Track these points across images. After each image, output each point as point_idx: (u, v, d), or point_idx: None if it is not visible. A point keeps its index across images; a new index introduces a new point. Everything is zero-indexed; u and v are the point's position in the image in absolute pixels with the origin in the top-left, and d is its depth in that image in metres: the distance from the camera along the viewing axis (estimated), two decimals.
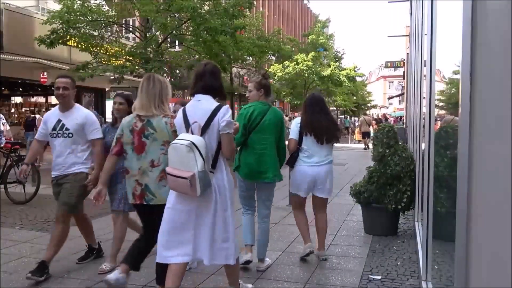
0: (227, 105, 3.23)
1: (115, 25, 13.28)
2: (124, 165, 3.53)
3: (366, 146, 21.14)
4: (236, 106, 25.45)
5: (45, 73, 14.51)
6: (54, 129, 4.17)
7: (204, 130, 3.07)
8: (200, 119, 3.09)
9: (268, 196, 4.26)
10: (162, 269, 3.27)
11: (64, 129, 4.14)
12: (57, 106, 4.29)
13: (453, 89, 2.73)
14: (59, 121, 4.17)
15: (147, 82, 3.47)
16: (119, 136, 3.48)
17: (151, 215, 3.47)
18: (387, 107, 58.83)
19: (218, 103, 3.19)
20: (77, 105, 4.34)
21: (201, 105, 3.15)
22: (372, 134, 20.54)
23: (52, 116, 4.26)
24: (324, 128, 4.35)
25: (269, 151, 4.12)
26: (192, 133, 3.09)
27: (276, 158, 4.18)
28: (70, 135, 4.14)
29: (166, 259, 3.11)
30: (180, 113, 3.22)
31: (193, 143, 2.94)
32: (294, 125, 4.41)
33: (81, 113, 4.24)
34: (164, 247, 3.10)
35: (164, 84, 3.52)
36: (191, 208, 3.08)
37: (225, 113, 3.10)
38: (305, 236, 4.52)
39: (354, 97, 42.46)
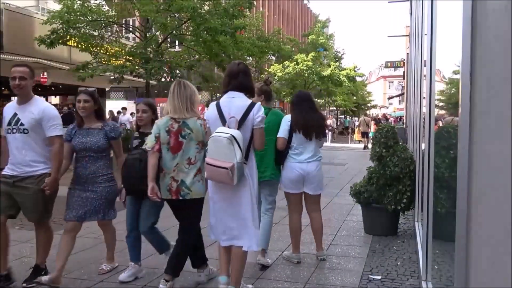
0: (259, 103, 3.54)
1: (115, 25, 13.26)
2: (160, 164, 3.65)
3: (366, 146, 21.65)
4: None
5: (45, 73, 14.49)
6: (9, 123, 3.70)
7: (240, 124, 3.35)
8: (236, 114, 3.37)
9: (270, 192, 4.39)
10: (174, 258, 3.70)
11: (19, 124, 3.66)
12: (16, 98, 3.83)
13: (453, 89, 2.73)
14: (15, 115, 3.70)
15: (179, 87, 3.69)
16: (158, 134, 3.62)
17: (185, 209, 3.71)
18: (387, 107, 58.76)
19: (251, 100, 3.49)
20: (36, 97, 3.83)
21: (235, 101, 3.43)
22: (371, 134, 21.11)
23: (9, 109, 3.80)
24: (315, 126, 4.38)
25: (269, 152, 4.27)
26: (229, 127, 3.34)
27: (269, 160, 4.35)
28: (26, 131, 3.65)
29: (222, 242, 3.53)
30: (213, 108, 3.50)
31: (233, 136, 3.23)
32: (284, 124, 4.33)
33: (39, 106, 3.73)
34: (215, 233, 3.56)
35: (193, 89, 3.77)
36: (226, 197, 3.43)
37: (259, 110, 3.42)
38: (294, 244, 4.47)
39: (354, 97, 42.45)
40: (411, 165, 5.25)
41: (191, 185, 3.57)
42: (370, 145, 22.52)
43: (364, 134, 22.83)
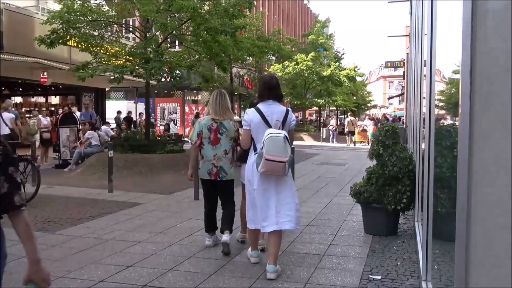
0: (290, 109, 4.37)
1: (115, 25, 13.24)
2: (201, 153, 4.80)
3: (349, 143, 24.62)
4: (236, 106, 25.41)
5: (45, 73, 14.48)
6: None
7: (283, 125, 4.15)
8: (278, 118, 4.15)
9: None
10: (211, 219, 4.90)
11: None
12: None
13: (453, 89, 2.73)
14: None
15: (220, 96, 4.79)
16: (199, 132, 4.77)
17: (221, 187, 4.84)
18: (387, 107, 58.76)
19: (285, 107, 4.32)
20: None
21: (274, 108, 4.19)
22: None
23: None
24: None
25: None
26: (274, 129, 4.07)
27: None
28: None
29: (264, 229, 4.11)
30: (255, 113, 4.18)
31: (285, 135, 3.97)
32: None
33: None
34: (259, 220, 4.09)
35: (228, 98, 4.90)
36: (275, 187, 4.06)
37: (292, 115, 4.29)
38: (244, 225, 4.92)
39: (354, 97, 42.41)
40: (410, 165, 5.24)
41: (227, 170, 4.77)
42: (353, 144, 24.17)
43: (350, 133, 25.29)
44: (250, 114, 4.23)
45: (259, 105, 4.22)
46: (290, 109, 4.32)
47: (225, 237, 4.64)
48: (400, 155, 5.26)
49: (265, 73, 22.38)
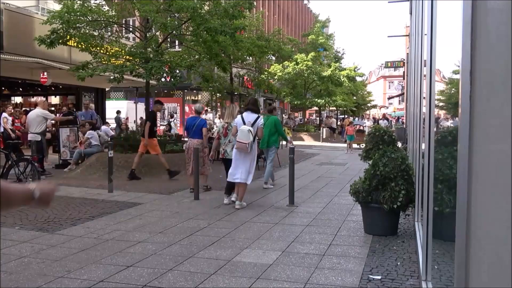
0: (262, 116, 7.61)
1: (115, 25, 13.23)
2: (220, 141, 7.95)
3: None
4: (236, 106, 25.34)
5: (45, 73, 14.44)
6: None
7: (252, 125, 7.03)
8: (251, 120, 7.09)
9: (268, 154, 9.44)
10: (229, 184, 7.31)
11: None
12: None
13: (453, 89, 2.73)
14: None
15: (230, 107, 8.38)
16: (219, 130, 8.11)
17: (226, 163, 7.71)
18: (387, 107, 58.78)
19: (257, 115, 7.24)
20: None
21: (250, 115, 7.19)
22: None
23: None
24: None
25: (266, 135, 8.90)
26: (247, 126, 6.98)
27: (271, 137, 9.24)
28: None
29: (233, 180, 7.04)
30: (240, 118, 7.22)
31: (250, 129, 6.87)
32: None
33: None
34: (231, 174, 7.07)
35: (235, 109, 8.26)
36: (244, 158, 7.01)
37: (260, 119, 7.27)
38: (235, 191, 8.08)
39: (354, 97, 42.40)
40: (402, 165, 5.25)
41: (229, 152, 7.55)
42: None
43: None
44: (237, 119, 7.38)
45: (243, 114, 7.28)
46: (261, 116, 7.51)
47: (226, 200, 7.41)
48: (391, 155, 5.30)
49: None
